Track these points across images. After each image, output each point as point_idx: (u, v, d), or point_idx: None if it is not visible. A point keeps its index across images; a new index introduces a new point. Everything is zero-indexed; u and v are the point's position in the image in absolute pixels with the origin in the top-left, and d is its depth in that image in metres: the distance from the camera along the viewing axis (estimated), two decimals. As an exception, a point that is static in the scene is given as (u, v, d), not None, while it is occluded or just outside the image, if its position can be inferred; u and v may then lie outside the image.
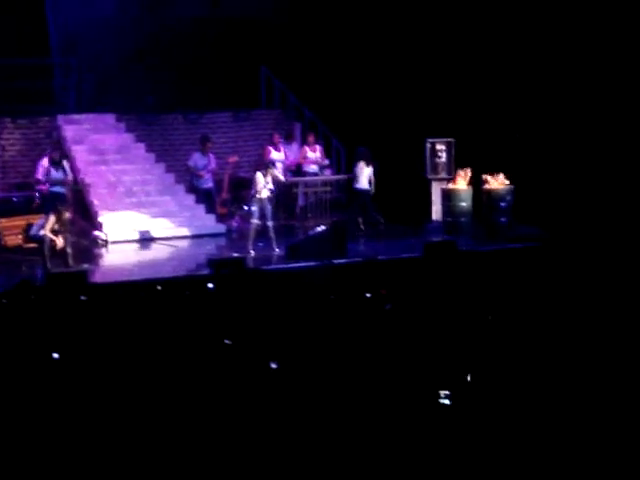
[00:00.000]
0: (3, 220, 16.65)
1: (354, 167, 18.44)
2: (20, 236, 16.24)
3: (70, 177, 18.23)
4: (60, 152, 18.09)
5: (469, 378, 8.42)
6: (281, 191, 18.15)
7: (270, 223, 16.70)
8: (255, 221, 16.66)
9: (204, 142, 19.11)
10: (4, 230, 16.46)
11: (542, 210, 17.62)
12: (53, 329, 10.42)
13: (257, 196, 16.67)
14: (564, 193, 18.05)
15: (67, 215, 15.69)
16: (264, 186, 16.64)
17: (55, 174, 17.19)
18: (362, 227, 18.18)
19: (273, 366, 8.73)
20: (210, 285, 12.89)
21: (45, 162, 18.29)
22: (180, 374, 8.59)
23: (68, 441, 7.41)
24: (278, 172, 17.51)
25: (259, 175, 16.72)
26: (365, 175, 18.20)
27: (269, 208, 16.75)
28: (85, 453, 7.28)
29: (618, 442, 7.08)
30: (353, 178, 18.45)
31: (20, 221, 16.55)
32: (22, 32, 20.49)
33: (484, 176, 17.89)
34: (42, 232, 15.54)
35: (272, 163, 17.67)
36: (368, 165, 18.23)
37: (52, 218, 15.48)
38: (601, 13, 18.19)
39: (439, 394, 8.01)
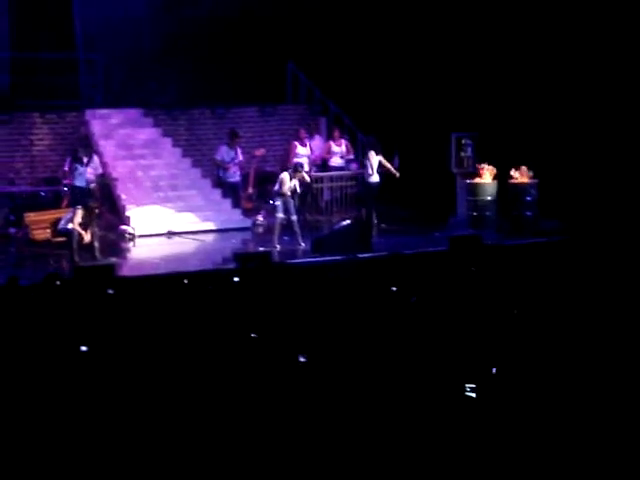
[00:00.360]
0: (31, 214, 16.78)
1: (365, 158, 18.37)
2: (48, 230, 16.38)
3: (100, 171, 18.36)
4: (86, 148, 18.25)
5: (494, 371, 8.45)
6: (307, 185, 18.22)
7: (294, 217, 16.78)
8: (280, 215, 16.75)
9: (232, 136, 19.18)
10: (32, 224, 16.59)
11: (567, 204, 17.61)
12: (81, 322, 10.51)
13: (280, 192, 16.77)
14: (589, 187, 18.03)
15: (95, 209, 15.84)
16: (290, 187, 16.76)
17: (80, 169, 17.29)
18: (376, 221, 18.14)
19: (301, 359, 8.79)
20: (236, 279, 12.97)
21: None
22: (206, 367, 8.66)
23: (93, 433, 7.49)
24: (305, 174, 17.56)
25: (286, 176, 16.81)
26: (375, 165, 18.13)
27: (292, 203, 16.83)
28: (112, 445, 7.36)
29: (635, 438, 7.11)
30: (365, 170, 18.34)
31: (48, 215, 16.69)
32: (50, 27, 20.64)
33: (509, 170, 17.90)
34: (70, 226, 15.69)
35: (300, 165, 17.68)
36: (378, 154, 18.18)
37: (80, 212, 15.63)
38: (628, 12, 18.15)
39: (465, 387, 8.05)
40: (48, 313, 10.87)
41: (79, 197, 16.79)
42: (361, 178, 18.94)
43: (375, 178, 18.18)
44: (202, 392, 8.12)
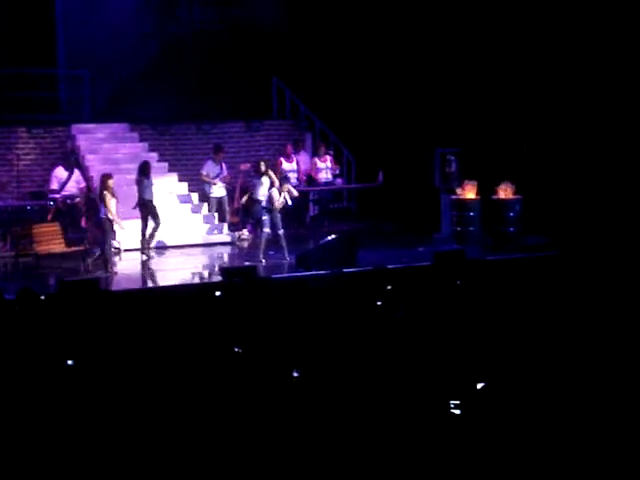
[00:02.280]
0: (15, 228, 16.84)
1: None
2: (34, 244, 16.40)
3: (82, 185, 18.50)
4: (69, 162, 18.39)
5: (479, 387, 8.52)
6: (293, 201, 18.29)
7: (281, 232, 16.85)
8: (267, 230, 16.81)
9: (217, 151, 19.32)
10: (17, 238, 16.64)
11: (551, 220, 17.72)
12: (65, 336, 10.53)
13: (269, 207, 16.83)
14: (573, 203, 18.15)
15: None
16: (281, 202, 16.82)
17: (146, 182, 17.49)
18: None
19: (295, 374, 8.84)
20: (217, 293, 13.02)
21: (58, 172, 18.53)
22: (192, 381, 8.69)
23: (78, 446, 7.52)
24: (292, 188, 17.62)
25: (274, 191, 16.89)
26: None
27: (279, 217, 16.90)
28: (95, 458, 7.39)
29: (627, 448, 7.18)
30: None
31: (33, 230, 16.74)
32: (36, 43, 20.69)
33: (493, 186, 18.02)
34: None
35: (286, 178, 17.76)
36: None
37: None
38: (608, 31, 18.29)
39: (449, 403, 8.11)
40: (32, 327, 10.88)
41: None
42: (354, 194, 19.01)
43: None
44: (188, 406, 8.16)
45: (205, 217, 19.01)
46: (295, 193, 17.64)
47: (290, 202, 17.16)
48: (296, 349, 9.64)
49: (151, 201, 17.39)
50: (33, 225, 17.00)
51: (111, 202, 16.17)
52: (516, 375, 8.75)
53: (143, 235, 17.34)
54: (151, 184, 17.46)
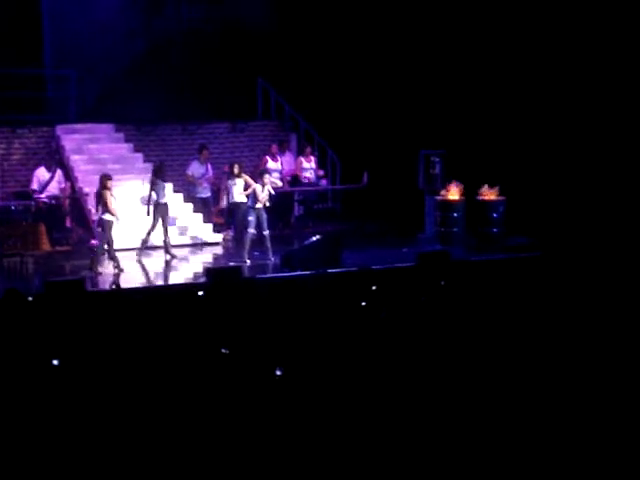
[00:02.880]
0: (20, 227, 16.87)
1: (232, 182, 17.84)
2: (18, 244, 16.41)
3: (63, 186, 18.51)
4: (51, 162, 18.42)
5: (462, 385, 8.57)
6: (277, 201, 18.34)
7: (266, 232, 16.89)
8: (251, 231, 16.85)
9: (201, 150, 19.35)
10: (1, 238, 16.65)
11: (534, 221, 17.81)
12: (50, 336, 10.55)
13: (254, 206, 16.87)
14: (556, 204, 18.24)
15: None
16: (265, 197, 16.84)
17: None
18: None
19: (278, 373, 8.88)
20: (200, 293, 13.06)
21: (39, 172, 18.52)
22: (176, 382, 8.72)
23: (64, 446, 7.55)
24: (273, 178, 17.66)
25: (257, 187, 16.92)
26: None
27: (265, 217, 16.93)
28: (83, 460, 7.42)
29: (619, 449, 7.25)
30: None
31: (17, 229, 16.76)
32: (21, 42, 20.67)
33: (477, 187, 18.10)
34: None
35: (265, 171, 17.79)
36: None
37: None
38: (595, 29, 18.38)
39: (431, 401, 8.17)
40: (14, 328, 10.89)
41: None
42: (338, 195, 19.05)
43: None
44: (172, 406, 8.19)
45: (190, 218, 19.02)
46: (279, 183, 17.61)
47: (273, 192, 17.13)
48: (280, 349, 9.68)
49: (165, 203, 17.40)
50: (17, 225, 17.00)
51: (111, 201, 16.22)
52: (499, 374, 8.82)
53: (148, 234, 17.36)
54: (164, 186, 17.47)
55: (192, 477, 7.30)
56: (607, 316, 10.72)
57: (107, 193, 16.18)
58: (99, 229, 16.41)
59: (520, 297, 11.98)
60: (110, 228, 16.20)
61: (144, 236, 17.35)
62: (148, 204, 17.25)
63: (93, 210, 18.51)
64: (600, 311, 10.97)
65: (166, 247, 17.33)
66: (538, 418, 7.82)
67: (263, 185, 16.88)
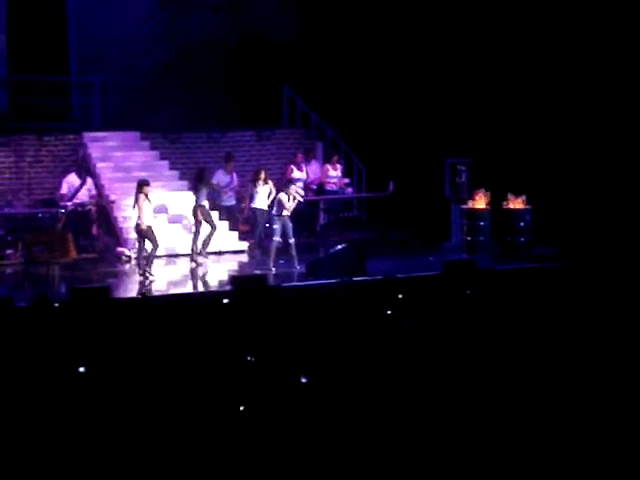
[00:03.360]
0: (26, 235, 16.91)
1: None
2: (45, 251, 16.44)
3: (93, 192, 18.57)
4: (81, 170, 18.52)
5: (488, 393, 8.53)
6: (303, 209, 18.32)
7: (292, 240, 16.87)
8: (277, 239, 16.83)
9: (227, 160, 19.37)
10: (28, 245, 16.70)
11: (562, 230, 17.72)
12: (75, 343, 10.57)
13: (280, 214, 16.85)
14: (584, 213, 18.15)
15: None
16: (291, 206, 16.84)
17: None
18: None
19: (303, 380, 8.85)
20: (225, 301, 13.05)
21: (70, 178, 18.57)
22: (201, 390, 8.71)
23: (89, 450, 7.55)
24: (298, 188, 17.69)
25: (283, 196, 16.91)
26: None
27: (290, 226, 16.91)
28: (105, 462, 7.41)
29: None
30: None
31: (44, 237, 16.81)
32: (47, 49, 20.77)
33: (504, 196, 18.04)
34: None
35: (291, 181, 17.80)
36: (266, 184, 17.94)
37: None
38: (625, 43, 18.30)
39: (457, 409, 8.12)
40: (41, 334, 10.93)
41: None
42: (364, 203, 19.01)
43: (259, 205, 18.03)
44: (199, 413, 8.18)
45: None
46: (301, 192, 17.59)
47: (302, 200, 17.16)
48: (306, 357, 9.65)
49: (204, 205, 17.64)
50: (44, 233, 17.06)
51: (145, 207, 16.30)
52: (525, 384, 8.76)
53: (194, 241, 17.52)
54: (206, 192, 17.72)
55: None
56: (631, 326, 10.65)
57: (141, 197, 16.32)
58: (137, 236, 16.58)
59: (546, 307, 11.92)
60: (144, 234, 16.35)
61: (192, 243, 17.51)
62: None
63: (119, 218, 18.58)
64: (624, 321, 10.90)
65: (194, 251, 17.46)
66: (563, 425, 7.78)
67: (288, 195, 16.87)
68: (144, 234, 16.43)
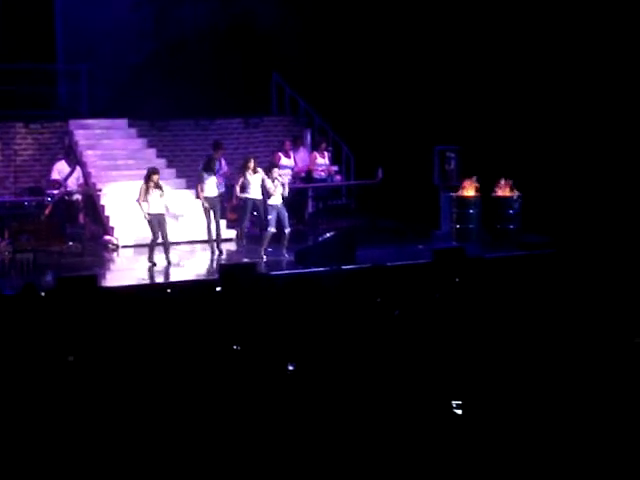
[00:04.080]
0: (13, 224, 16.80)
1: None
2: (32, 240, 16.36)
3: (81, 181, 18.47)
4: (70, 158, 18.39)
5: (476, 382, 8.49)
6: (291, 197, 18.25)
7: (287, 230, 16.80)
8: (272, 229, 16.74)
9: (216, 148, 19.24)
10: (14, 234, 16.59)
11: (551, 218, 17.70)
12: (63, 333, 10.52)
13: (272, 203, 16.75)
14: (573, 201, 18.13)
15: None
16: (275, 187, 16.69)
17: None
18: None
19: (290, 368, 8.81)
20: (218, 289, 13.00)
21: (60, 165, 18.44)
22: (189, 379, 8.66)
23: (78, 443, 7.49)
24: (282, 172, 17.57)
25: (267, 180, 16.81)
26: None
27: (285, 215, 16.84)
28: (94, 455, 7.36)
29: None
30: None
31: (31, 225, 16.73)
32: (33, 37, 20.65)
33: (493, 184, 18.01)
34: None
35: (273, 165, 17.66)
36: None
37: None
38: (607, 28, 18.26)
39: (448, 402, 8.08)
40: (28, 323, 10.87)
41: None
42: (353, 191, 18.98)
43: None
44: (184, 403, 8.13)
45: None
46: (285, 179, 17.45)
47: (285, 182, 17.02)
48: (294, 346, 9.61)
49: (213, 197, 17.48)
50: (30, 221, 16.97)
51: (152, 196, 16.31)
52: (514, 373, 8.73)
53: (209, 230, 17.44)
54: (213, 180, 17.60)
55: (204, 475, 7.23)
56: (620, 314, 10.64)
57: (143, 187, 16.28)
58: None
59: (535, 294, 11.90)
60: (157, 223, 16.40)
61: (207, 232, 17.44)
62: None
63: (107, 206, 18.49)
64: (614, 309, 10.88)
65: (212, 239, 17.44)
66: (551, 416, 7.75)
67: (272, 179, 16.78)
68: (148, 223, 16.39)
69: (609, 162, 18.16)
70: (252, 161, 17.57)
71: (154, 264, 16.20)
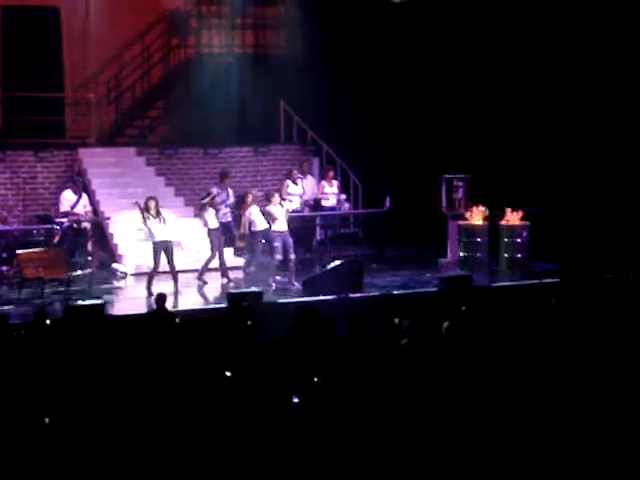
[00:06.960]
0: (21, 252, 16.79)
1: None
2: (40, 268, 16.35)
3: (88, 209, 18.49)
4: (77, 186, 18.43)
5: (484, 411, 8.48)
6: (299, 225, 18.27)
7: (293, 256, 16.82)
8: (278, 257, 16.76)
9: (223, 177, 19.29)
10: (23, 262, 16.60)
11: (559, 247, 17.69)
12: (71, 360, 10.53)
13: (277, 230, 16.77)
14: (582, 230, 18.13)
15: None
16: (279, 214, 16.74)
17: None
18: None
19: (295, 400, 8.81)
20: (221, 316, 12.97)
21: (67, 195, 18.49)
22: (199, 406, 8.67)
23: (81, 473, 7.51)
24: (284, 196, 17.64)
25: (271, 207, 16.85)
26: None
27: (291, 242, 16.86)
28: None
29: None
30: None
31: (39, 254, 16.74)
32: (41, 66, 20.76)
33: (501, 212, 18.01)
34: None
35: (270, 193, 17.67)
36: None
37: None
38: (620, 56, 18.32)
39: (452, 426, 8.09)
40: (40, 351, 10.90)
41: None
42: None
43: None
44: (191, 427, 8.14)
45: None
46: (289, 206, 17.49)
47: (289, 204, 17.06)
48: (300, 374, 9.61)
49: (214, 229, 17.49)
50: (38, 249, 16.99)
51: (152, 225, 16.48)
52: (522, 401, 8.73)
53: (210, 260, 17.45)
54: (212, 212, 17.58)
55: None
56: (630, 344, 10.61)
57: (141, 217, 16.40)
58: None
59: (544, 323, 11.87)
60: (155, 251, 16.38)
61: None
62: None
63: (115, 234, 18.52)
64: (623, 339, 10.86)
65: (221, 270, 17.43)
66: (561, 444, 7.75)
67: (274, 204, 16.82)
68: (153, 252, 16.45)
69: (616, 189, 18.17)
70: (250, 196, 17.69)
71: (151, 294, 16.03)
